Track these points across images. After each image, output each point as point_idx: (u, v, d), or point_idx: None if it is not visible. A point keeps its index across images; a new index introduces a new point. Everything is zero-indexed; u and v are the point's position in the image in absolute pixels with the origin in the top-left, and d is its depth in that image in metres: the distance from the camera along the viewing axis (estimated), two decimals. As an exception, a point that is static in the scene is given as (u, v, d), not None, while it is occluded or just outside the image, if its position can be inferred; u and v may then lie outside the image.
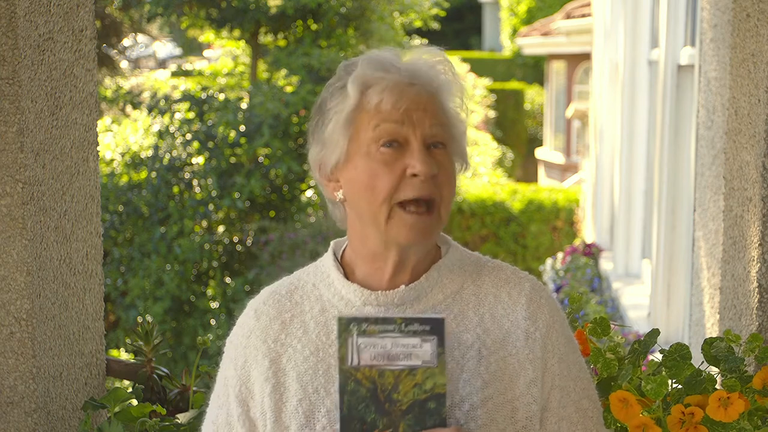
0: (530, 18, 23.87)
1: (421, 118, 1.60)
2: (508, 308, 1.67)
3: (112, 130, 12.69)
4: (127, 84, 13.79)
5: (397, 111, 1.58)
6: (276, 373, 1.66)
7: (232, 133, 11.59)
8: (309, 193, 12.04)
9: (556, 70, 18.87)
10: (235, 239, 11.68)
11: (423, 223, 1.59)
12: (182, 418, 2.36)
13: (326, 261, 1.72)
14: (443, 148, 1.62)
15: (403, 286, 1.65)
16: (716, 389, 2.12)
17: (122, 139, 12.43)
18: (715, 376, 2.16)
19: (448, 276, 1.68)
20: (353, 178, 1.62)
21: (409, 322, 1.52)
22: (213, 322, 10.99)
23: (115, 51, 13.43)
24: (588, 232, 11.71)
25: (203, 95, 12.10)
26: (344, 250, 1.72)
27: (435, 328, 1.52)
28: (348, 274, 1.69)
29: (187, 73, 17.71)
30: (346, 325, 1.52)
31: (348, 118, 1.61)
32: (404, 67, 1.62)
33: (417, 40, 16.47)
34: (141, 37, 15.35)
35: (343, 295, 1.67)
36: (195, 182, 11.65)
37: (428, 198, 1.59)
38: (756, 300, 2.39)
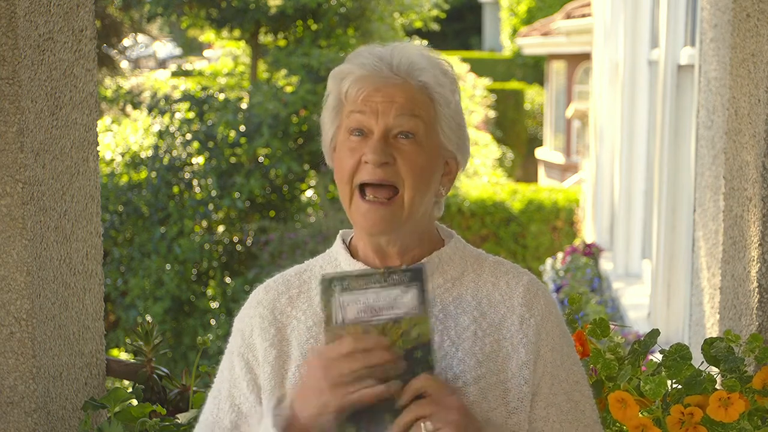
0: (530, 18, 23.85)
1: (386, 109, 1.67)
2: (505, 295, 1.73)
3: (112, 130, 12.69)
4: (127, 84, 13.78)
5: (358, 100, 1.67)
6: (281, 341, 1.73)
7: (232, 133, 11.59)
8: (309, 193, 12.04)
9: (556, 70, 18.87)
10: (235, 239, 11.68)
11: (378, 212, 1.66)
12: (182, 418, 2.36)
13: (335, 246, 1.81)
14: (412, 138, 1.67)
15: (404, 267, 1.71)
16: (716, 389, 2.12)
17: (122, 139, 12.43)
18: (714, 376, 2.16)
19: (448, 263, 1.75)
20: (334, 164, 1.74)
21: (391, 272, 1.56)
22: (213, 322, 10.99)
23: (115, 51, 13.43)
24: (588, 232, 11.71)
25: (203, 95, 12.10)
26: (352, 237, 1.81)
27: (416, 275, 1.56)
28: (354, 254, 1.77)
29: (187, 73, 17.70)
30: (328, 284, 1.55)
31: (333, 110, 1.73)
32: (382, 60, 1.69)
33: (417, 41, 16.46)
34: (141, 37, 15.34)
35: None
36: (195, 182, 11.65)
37: (381, 182, 1.66)
38: (756, 300, 2.39)
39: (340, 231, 1.83)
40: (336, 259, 1.78)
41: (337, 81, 1.71)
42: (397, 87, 1.67)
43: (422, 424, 1.53)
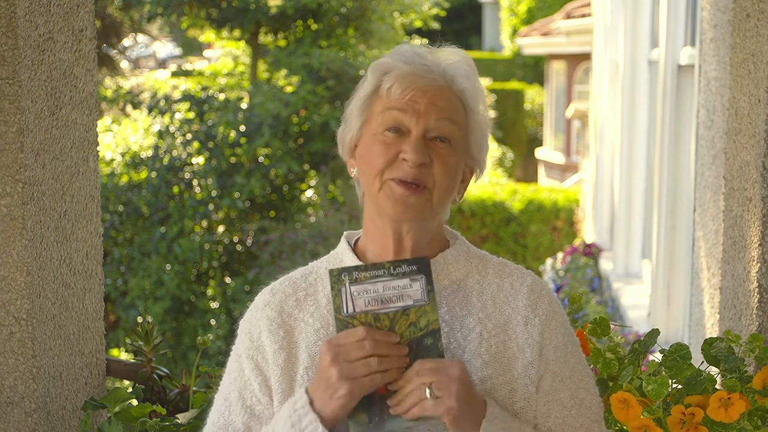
0: (530, 18, 23.85)
1: (428, 110, 1.68)
2: (510, 296, 1.75)
3: (112, 130, 12.69)
4: (127, 84, 13.79)
5: (403, 99, 1.67)
6: (289, 344, 1.73)
7: (232, 133, 11.59)
8: (309, 193, 12.04)
9: (556, 70, 18.86)
10: (235, 239, 11.68)
11: (408, 198, 1.67)
12: (182, 418, 2.36)
13: (339, 247, 1.81)
14: (447, 143, 1.70)
15: (409, 258, 1.72)
16: (716, 389, 2.12)
17: (122, 139, 12.43)
18: (715, 376, 2.16)
19: (453, 264, 1.76)
20: (360, 155, 1.73)
21: (397, 265, 1.62)
22: (213, 322, 10.99)
23: (115, 51, 13.44)
24: (588, 232, 11.70)
25: (203, 95, 12.10)
26: (358, 239, 1.82)
27: (421, 267, 1.62)
28: (360, 257, 1.78)
29: (187, 73, 17.72)
30: (337, 275, 1.61)
31: (365, 102, 1.72)
32: (427, 60, 1.71)
33: (417, 40, 16.46)
34: (141, 37, 15.36)
35: None
36: (195, 182, 11.65)
37: (414, 181, 1.67)
38: (756, 300, 2.39)
39: (345, 232, 1.83)
40: (341, 260, 1.79)
41: (378, 74, 1.71)
42: (440, 90, 1.69)
43: (426, 390, 1.58)
